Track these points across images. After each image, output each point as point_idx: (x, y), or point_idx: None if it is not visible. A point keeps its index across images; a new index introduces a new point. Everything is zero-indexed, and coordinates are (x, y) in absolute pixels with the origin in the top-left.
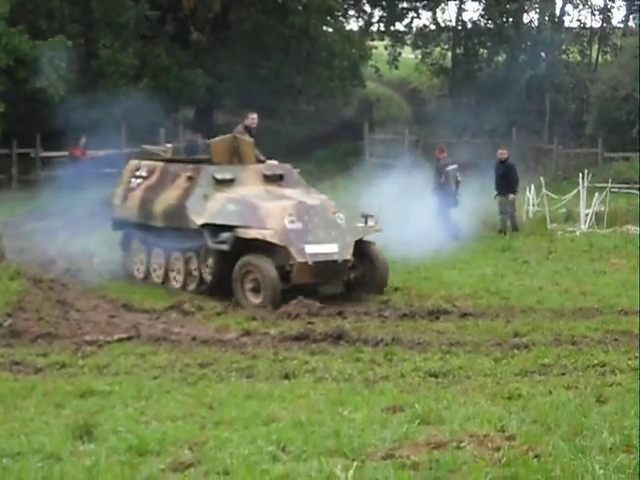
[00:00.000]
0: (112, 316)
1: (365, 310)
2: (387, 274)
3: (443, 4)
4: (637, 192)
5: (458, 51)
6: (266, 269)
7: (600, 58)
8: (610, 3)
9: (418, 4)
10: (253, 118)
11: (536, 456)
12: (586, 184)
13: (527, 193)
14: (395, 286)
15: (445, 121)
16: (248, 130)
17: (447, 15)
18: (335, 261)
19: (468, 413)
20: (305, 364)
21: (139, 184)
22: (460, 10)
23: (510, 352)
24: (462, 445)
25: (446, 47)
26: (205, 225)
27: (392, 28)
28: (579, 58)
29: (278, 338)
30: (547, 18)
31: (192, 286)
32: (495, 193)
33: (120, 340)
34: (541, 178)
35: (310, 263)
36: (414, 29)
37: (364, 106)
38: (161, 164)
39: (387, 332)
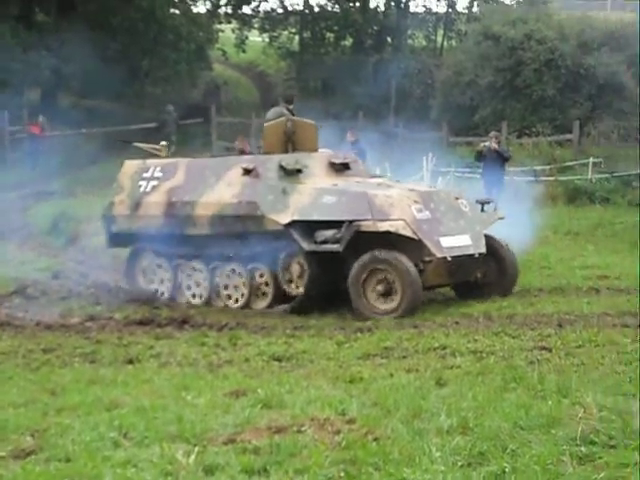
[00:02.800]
0: None
1: None
2: (517, 272)
3: None
4: (479, 177)
5: (305, 35)
6: (404, 266)
7: (445, 43)
8: None
9: None
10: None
11: (375, 439)
12: (430, 168)
13: None
14: None
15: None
16: (290, 110)
17: None
18: (471, 255)
19: (310, 397)
20: (150, 349)
21: (155, 187)
22: None
23: (353, 335)
24: (303, 429)
25: (293, 31)
26: (291, 225)
27: (239, 11)
28: (424, 43)
29: (123, 323)
30: (393, 3)
31: (262, 303)
32: None
33: None
34: (386, 162)
35: (449, 259)
36: (261, 12)
37: (211, 89)
38: (185, 160)
39: (232, 317)
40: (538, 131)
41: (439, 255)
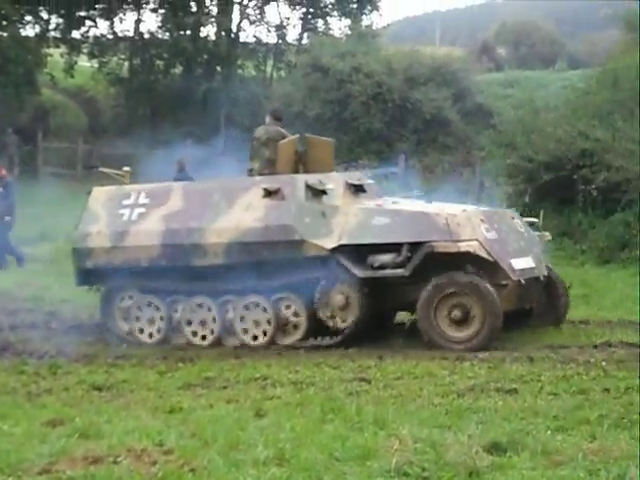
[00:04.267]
0: None
1: (32, 321)
2: (568, 302)
3: (121, 14)
4: None
5: (135, 61)
6: (486, 290)
7: (275, 74)
8: (285, 21)
9: (96, 13)
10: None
11: (192, 470)
12: None
13: None
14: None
15: (121, 131)
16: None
17: (125, 25)
18: (537, 278)
19: (128, 427)
20: None
21: (144, 214)
22: (138, 21)
23: (175, 365)
24: (119, 459)
25: (123, 57)
26: (337, 249)
27: (68, 36)
28: (254, 73)
29: None
30: (223, 32)
31: (290, 339)
32: None
33: None
34: None
35: (523, 282)
36: (91, 38)
37: (39, 114)
38: (180, 183)
39: (53, 345)
40: (365, 163)
41: (514, 278)
